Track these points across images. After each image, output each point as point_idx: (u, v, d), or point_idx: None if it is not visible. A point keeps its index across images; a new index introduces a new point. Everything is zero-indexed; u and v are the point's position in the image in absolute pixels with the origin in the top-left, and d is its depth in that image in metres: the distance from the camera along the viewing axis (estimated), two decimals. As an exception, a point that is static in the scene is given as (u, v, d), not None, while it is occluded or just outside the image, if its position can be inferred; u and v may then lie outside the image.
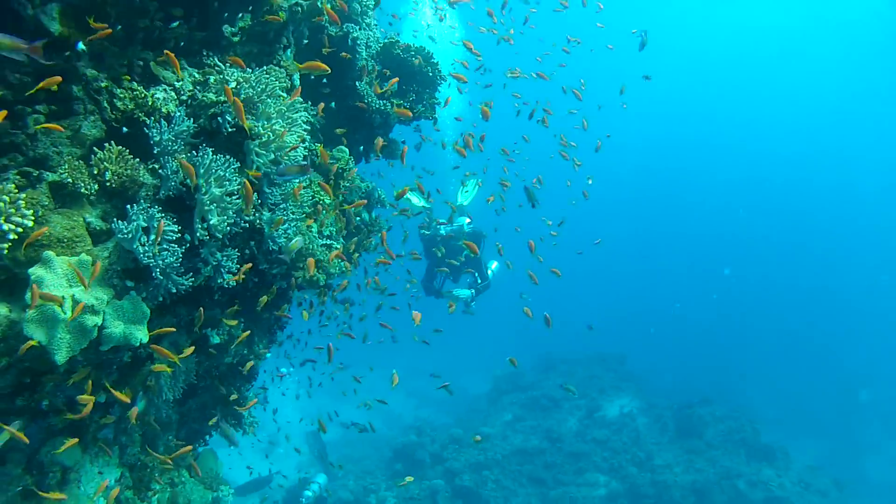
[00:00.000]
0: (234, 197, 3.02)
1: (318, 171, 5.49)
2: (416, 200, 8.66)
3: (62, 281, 2.75)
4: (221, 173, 2.96)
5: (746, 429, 14.10)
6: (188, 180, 2.93)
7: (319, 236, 5.43)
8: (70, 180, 2.98)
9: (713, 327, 32.12)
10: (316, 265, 4.18)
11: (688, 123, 46.61)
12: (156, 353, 3.73)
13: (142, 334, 2.92)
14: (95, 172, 3.10)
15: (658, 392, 17.05)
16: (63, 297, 2.67)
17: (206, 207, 2.88)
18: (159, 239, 2.79)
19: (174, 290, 2.98)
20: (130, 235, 2.76)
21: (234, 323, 4.29)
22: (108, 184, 3.06)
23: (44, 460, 3.71)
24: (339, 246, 5.60)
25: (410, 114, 6.56)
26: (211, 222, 2.85)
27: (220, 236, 2.97)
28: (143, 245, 2.78)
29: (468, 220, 8.96)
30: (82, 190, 2.99)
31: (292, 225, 3.74)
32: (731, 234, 43.51)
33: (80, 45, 2.99)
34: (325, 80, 5.87)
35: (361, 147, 6.64)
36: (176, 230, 2.88)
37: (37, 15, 3.10)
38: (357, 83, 6.03)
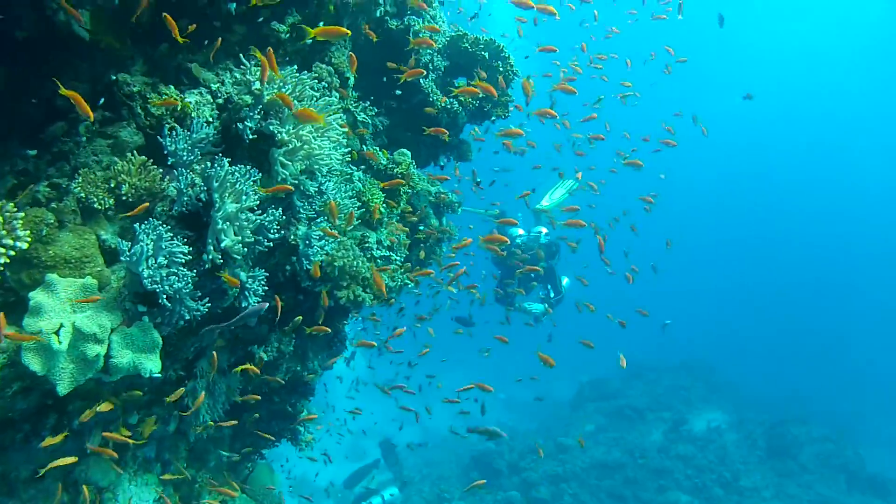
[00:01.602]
0: (253, 213, 2.68)
1: (377, 177, 5.16)
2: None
3: (65, 306, 2.51)
4: (240, 187, 2.63)
5: (848, 453, 12.68)
6: (203, 195, 2.63)
7: (378, 247, 5.10)
8: (83, 194, 2.75)
9: (817, 336, 29.61)
10: (362, 283, 3.82)
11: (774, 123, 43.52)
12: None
13: (152, 364, 2.65)
14: (112, 186, 2.86)
15: (749, 405, 15.75)
16: (60, 325, 2.42)
17: (220, 226, 2.56)
18: (165, 261, 2.49)
19: (188, 317, 2.68)
20: (136, 258, 2.48)
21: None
22: (124, 197, 2.81)
23: (78, 479, 3.58)
24: (397, 258, 5.25)
25: (495, 93, 6.05)
26: (223, 244, 2.53)
27: (238, 258, 2.64)
28: (150, 268, 2.49)
29: (544, 230, 8.43)
30: (95, 205, 2.75)
31: (330, 241, 3.39)
32: (839, 235, 40.31)
33: None
34: (385, 80, 5.52)
35: (434, 151, 6.25)
36: (186, 251, 2.58)
37: (68, 20, 2.88)
38: (421, 80, 5.64)
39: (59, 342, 2.40)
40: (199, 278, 2.82)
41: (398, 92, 5.45)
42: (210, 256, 2.57)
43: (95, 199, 2.76)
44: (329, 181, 3.20)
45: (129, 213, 2.72)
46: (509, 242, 8.39)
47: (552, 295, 8.48)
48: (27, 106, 2.87)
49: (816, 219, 42.91)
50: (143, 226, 2.57)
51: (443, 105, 5.79)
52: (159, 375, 2.72)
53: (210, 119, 3.10)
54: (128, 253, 2.49)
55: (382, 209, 4.80)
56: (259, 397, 3.98)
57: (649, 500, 11.60)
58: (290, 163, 2.82)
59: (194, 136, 2.76)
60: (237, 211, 2.57)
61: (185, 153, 2.71)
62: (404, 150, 5.34)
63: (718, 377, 17.14)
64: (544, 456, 13.14)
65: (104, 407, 3.01)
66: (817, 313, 33.45)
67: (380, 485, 11.04)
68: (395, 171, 5.12)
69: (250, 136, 2.79)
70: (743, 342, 26.64)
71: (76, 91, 2.58)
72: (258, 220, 2.66)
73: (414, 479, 12.83)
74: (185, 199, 2.65)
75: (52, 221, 2.58)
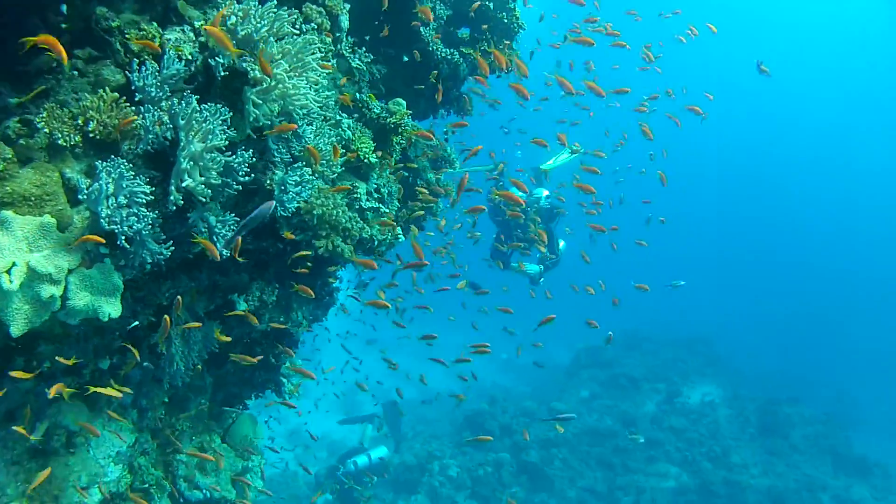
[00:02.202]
0: (219, 154, 2.54)
1: (369, 127, 4.98)
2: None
3: (21, 245, 2.39)
4: (208, 126, 2.49)
5: (837, 435, 12.69)
6: (169, 133, 2.48)
7: (368, 198, 4.96)
8: (46, 129, 2.61)
9: (817, 317, 29.50)
10: (342, 234, 3.69)
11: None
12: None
13: (111, 307, 2.54)
14: (80, 122, 2.72)
15: (745, 381, 15.75)
16: (13, 264, 2.31)
17: (184, 166, 2.42)
18: (125, 201, 2.37)
19: (150, 261, 2.57)
20: (94, 196, 2.35)
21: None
22: (91, 135, 2.66)
23: (49, 422, 3.53)
24: (387, 210, 5.11)
25: (504, 62, 5.84)
26: (185, 184, 2.39)
27: (204, 200, 2.51)
28: (109, 208, 2.37)
29: (545, 192, 8.23)
30: (60, 141, 2.61)
31: (307, 187, 3.25)
32: (846, 220, 39.87)
33: None
34: (382, 23, 5.29)
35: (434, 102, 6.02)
36: (147, 191, 2.45)
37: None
38: (421, 29, 5.41)
39: (10, 281, 2.29)
40: (164, 220, 2.70)
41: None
42: (172, 197, 2.44)
43: (60, 136, 2.62)
44: (306, 123, 3.05)
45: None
46: (524, 204, 8.23)
47: (549, 256, 8.35)
48: (11, 41, 2.71)
49: (824, 200, 42.45)
50: (104, 164, 2.43)
51: (443, 56, 5.57)
52: (137, 323, 2.62)
53: (191, 57, 2.94)
54: (86, 191, 2.37)
55: (372, 158, 4.63)
56: (229, 338, 3.86)
57: (638, 470, 11.67)
58: (262, 103, 2.67)
59: (164, 72, 2.60)
60: (202, 150, 2.43)
61: (153, 89, 2.56)
62: (399, 100, 5.15)
63: (716, 351, 17.14)
64: (536, 420, 13.21)
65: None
66: (819, 296, 33.36)
67: (371, 443, 11.13)
68: (389, 120, 4.94)
69: (222, 73, 2.63)
70: (743, 319, 26.63)
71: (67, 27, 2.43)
72: (222, 161, 2.52)
73: (406, 436, 12.93)
74: (151, 137, 2.51)
75: (9, 156, 2.45)
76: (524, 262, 7.89)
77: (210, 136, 2.43)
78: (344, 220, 3.66)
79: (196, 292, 3.95)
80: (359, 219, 4.10)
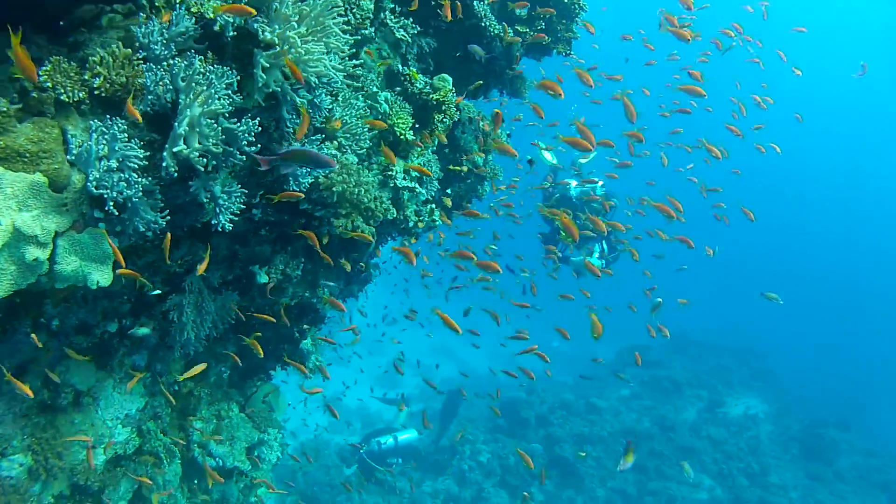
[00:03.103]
0: (219, 120, 2.36)
1: (410, 103, 4.74)
2: (548, 157, 7.66)
3: (10, 203, 2.28)
4: (211, 90, 2.31)
5: (893, 472, 11.76)
6: (170, 95, 2.32)
7: (404, 177, 4.75)
8: (49, 84, 2.48)
9: (879, 344, 27.60)
10: (364, 214, 3.49)
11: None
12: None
13: (100, 275, 2.42)
14: (87, 77, 2.59)
15: (792, 400, 14.85)
16: (-3, 223, 2.21)
17: (180, 131, 2.25)
18: (116, 165, 2.22)
19: (143, 230, 2.43)
20: (84, 156, 2.21)
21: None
22: (96, 91, 2.53)
23: (57, 380, 3.51)
24: (424, 191, 4.89)
25: (545, 38, 5.54)
26: (176, 149, 2.22)
27: (200, 168, 2.35)
28: (99, 171, 2.23)
29: (599, 182, 7.84)
30: (63, 97, 2.48)
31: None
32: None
33: None
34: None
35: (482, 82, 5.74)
36: (141, 156, 2.29)
37: None
38: (475, 3, 5.11)
39: (-7, 240, 2.19)
40: (167, 188, 2.56)
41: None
42: (165, 164, 2.28)
43: (63, 91, 2.49)
44: (325, 93, 2.84)
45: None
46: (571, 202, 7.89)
47: (608, 252, 7.98)
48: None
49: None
50: (98, 123, 2.29)
51: (496, 33, 5.26)
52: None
53: (212, 16, 2.77)
54: (75, 151, 2.23)
55: (409, 135, 4.41)
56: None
57: (671, 477, 11.21)
58: (272, 67, 2.47)
59: (172, 28, 2.43)
60: (199, 115, 2.25)
61: (158, 47, 2.39)
62: (445, 76, 4.89)
63: (766, 365, 16.26)
64: (574, 414, 12.89)
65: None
66: (881, 319, 31.28)
67: (406, 420, 11.05)
68: (432, 97, 4.69)
69: (231, 33, 2.44)
70: (797, 334, 25.09)
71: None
72: (220, 128, 2.33)
73: (450, 425, 12.76)
74: (151, 98, 2.35)
75: (4, 109, 2.33)
76: (585, 256, 7.51)
77: (209, 101, 2.25)
78: (367, 200, 3.45)
79: (214, 261, 3.85)
80: (385, 199, 3.89)
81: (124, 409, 3.85)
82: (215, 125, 2.29)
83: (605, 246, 8.12)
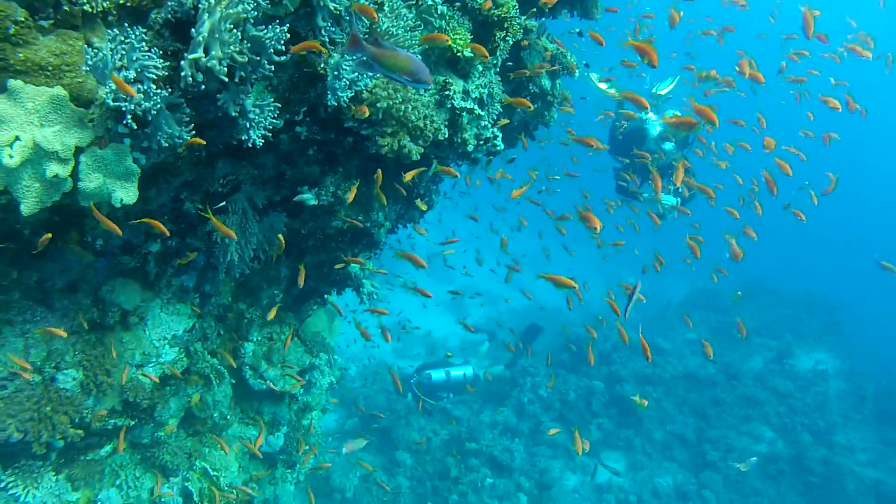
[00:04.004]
0: (243, 26, 2.13)
1: (470, 17, 4.36)
2: (603, 87, 7.13)
3: (31, 118, 2.16)
4: (236, -9, 2.08)
5: None
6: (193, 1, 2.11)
7: (464, 98, 4.43)
8: (70, -9, 2.31)
9: None
10: (413, 133, 3.24)
11: None
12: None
13: (124, 193, 2.30)
14: (114, -18, 2.40)
15: (867, 357, 13.85)
16: (16, 138, 2.10)
17: (198, 38, 2.05)
18: (134, 76, 2.05)
19: (166, 145, 2.28)
20: (99, 67, 2.05)
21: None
22: (122, 1, 2.35)
23: (105, 298, 3.54)
24: (483, 113, 4.57)
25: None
26: (191, 56, 2.03)
27: (224, 78, 2.15)
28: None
29: (677, 114, 7.24)
30: (86, 7, 2.30)
31: (363, 76, 2.80)
32: None
33: None
34: None
35: None
36: (160, 65, 2.11)
37: None
38: None
39: (10, 156, 2.08)
40: (196, 101, 2.39)
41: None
42: (184, 73, 2.09)
43: (86, 1, 2.32)
44: None
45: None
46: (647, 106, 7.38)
47: (683, 192, 7.46)
48: None
49: None
50: (115, 32, 2.11)
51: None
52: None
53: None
54: (90, 62, 2.07)
55: (467, 52, 4.06)
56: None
57: (732, 426, 10.83)
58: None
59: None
60: (220, 20, 2.04)
61: (180, -58, 2.16)
62: (511, -10, 4.45)
63: (841, 319, 15.21)
64: (637, 353, 12.58)
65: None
66: None
67: (478, 356, 11.02)
68: (493, 12, 4.29)
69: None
70: (881, 292, 23.11)
71: None
72: (243, 35, 2.11)
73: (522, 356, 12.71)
74: (173, 3, 2.14)
75: (21, 19, 2.17)
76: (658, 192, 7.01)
77: (231, 4, 2.02)
78: (415, 118, 3.19)
79: (260, 181, 3.72)
80: (438, 119, 3.61)
81: (171, 329, 3.88)
82: (236, 31, 2.07)
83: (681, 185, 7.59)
